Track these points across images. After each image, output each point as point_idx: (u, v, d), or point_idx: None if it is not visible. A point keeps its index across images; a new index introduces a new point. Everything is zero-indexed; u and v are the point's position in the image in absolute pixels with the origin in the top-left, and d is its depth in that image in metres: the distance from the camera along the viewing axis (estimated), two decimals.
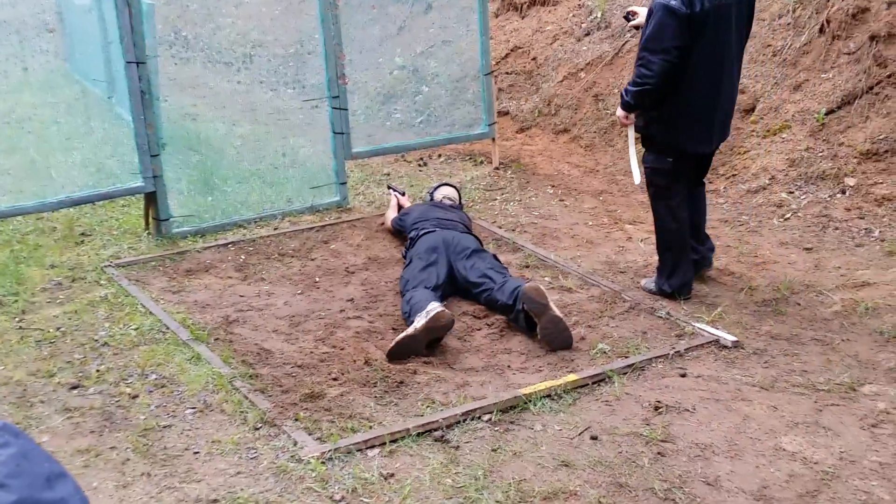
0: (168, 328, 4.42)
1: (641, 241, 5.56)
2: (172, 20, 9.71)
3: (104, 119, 7.38)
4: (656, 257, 4.82)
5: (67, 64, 8.95)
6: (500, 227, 5.85)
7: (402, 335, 4.07)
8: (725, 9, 4.30)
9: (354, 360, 4.06)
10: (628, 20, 4.80)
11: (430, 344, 4.12)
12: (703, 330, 4.33)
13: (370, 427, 3.52)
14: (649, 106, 4.47)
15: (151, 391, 3.86)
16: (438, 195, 5.83)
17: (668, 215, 4.64)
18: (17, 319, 4.61)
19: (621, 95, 4.54)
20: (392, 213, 5.77)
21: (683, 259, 4.67)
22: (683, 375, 3.94)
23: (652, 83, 4.29)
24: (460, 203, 5.89)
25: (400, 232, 5.54)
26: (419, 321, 4.05)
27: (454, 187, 5.98)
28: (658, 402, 3.70)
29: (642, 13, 4.55)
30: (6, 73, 8.64)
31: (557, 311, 4.16)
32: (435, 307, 4.06)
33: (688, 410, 3.65)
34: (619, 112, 4.61)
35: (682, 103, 4.40)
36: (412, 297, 4.35)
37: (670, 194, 4.61)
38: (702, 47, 4.28)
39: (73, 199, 5.58)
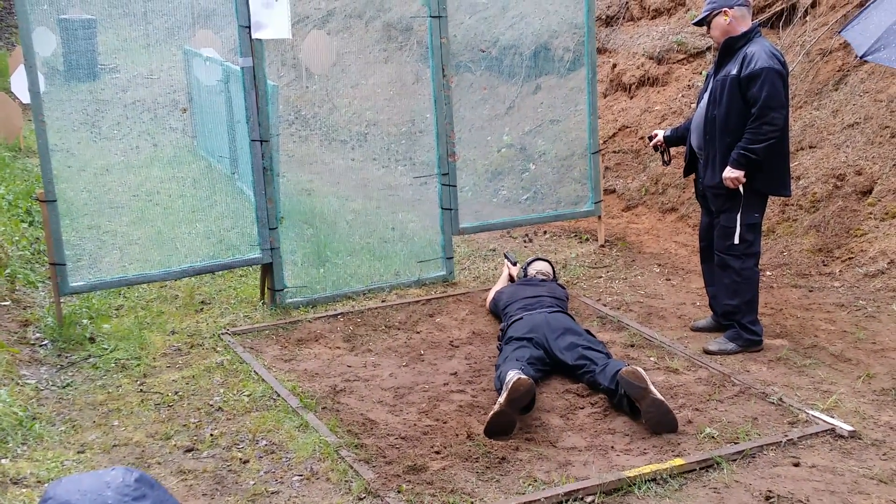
0: (279, 395, 4.57)
1: None
2: (293, 101, 10.25)
3: (226, 194, 7.78)
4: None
5: (195, 141, 9.52)
6: (605, 305, 5.82)
7: (491, 413, 4.11)
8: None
9: (457, 434, 4.09)
10: (655, 147, 5.65)
11: (524, 410, 4.13)
12: (818, 418, 4.18)
13: (471, 503, 3.52)
14: (763, 159, 4.81)
15: (261, 457, 3.99)
16: (532, 270, 5.88)
17: (756, 266, 5.05)
18: (138, 382, 4.86)
19: (738, 157, 4.78)
20: (496, 290, 5.82)
21: (757, 304, 5.10)
22: (796, 465, 3.80)
23: (776, 135, 4.76)
24: (554, 276, 5.91)
25: (495, 314, 5.60)
26: (501, 395, 4.09)
27: (547, 261, 6.02)
28: (769, 491, 3.57)
29: (660, 134, 5.56)
30: (138, 149, 9.26)
31: (658, 394, 4.10)
32: (512, 376, 4.08)
33: (801, 502, 3.51)
34: (736, 173, 4.81)
35: (785, 150, 4.91)
36: (500, 372, 4.41)
37: (758, 247, 5.05)
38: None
39: (195, 268, 5.88)
